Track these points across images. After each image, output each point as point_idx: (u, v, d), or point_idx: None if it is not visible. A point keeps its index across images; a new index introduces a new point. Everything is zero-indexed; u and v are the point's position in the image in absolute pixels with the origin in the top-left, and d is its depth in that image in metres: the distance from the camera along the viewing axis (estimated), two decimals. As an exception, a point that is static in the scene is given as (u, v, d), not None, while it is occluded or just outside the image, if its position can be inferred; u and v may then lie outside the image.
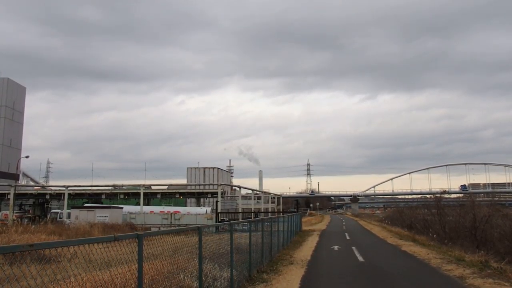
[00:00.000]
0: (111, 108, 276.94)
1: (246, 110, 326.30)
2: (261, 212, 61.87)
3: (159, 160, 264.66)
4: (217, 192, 51.62)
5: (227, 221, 40.75)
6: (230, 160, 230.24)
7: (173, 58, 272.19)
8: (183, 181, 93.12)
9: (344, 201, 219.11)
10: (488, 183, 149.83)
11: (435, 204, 40.14)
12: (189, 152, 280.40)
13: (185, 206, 78.59)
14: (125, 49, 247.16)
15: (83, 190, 58.19)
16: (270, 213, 59.54)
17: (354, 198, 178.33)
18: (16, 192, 54.89)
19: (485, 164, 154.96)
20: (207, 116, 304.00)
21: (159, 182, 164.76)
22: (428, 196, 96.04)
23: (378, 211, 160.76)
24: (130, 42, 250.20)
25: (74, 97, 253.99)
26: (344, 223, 64.09)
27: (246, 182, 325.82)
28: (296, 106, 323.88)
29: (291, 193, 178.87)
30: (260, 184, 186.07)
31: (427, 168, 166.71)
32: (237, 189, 66.95)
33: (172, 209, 54.46)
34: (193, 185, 75.36)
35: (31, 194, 61.39)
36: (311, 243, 28.44)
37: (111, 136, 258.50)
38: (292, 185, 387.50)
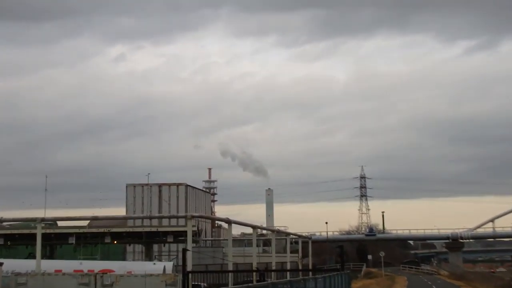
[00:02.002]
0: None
1: (244, 73, 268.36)
2: (272, 270, 54.38)
3: (74, 171, 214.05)
4: (186, 231, 43.32)
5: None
6: (210, 169, 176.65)
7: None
8: (120, 211, 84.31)
9: (435, 248, 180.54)
10: None
11: None
12: (132, 155, 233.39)
13: (124, 259, 70.92)
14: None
15: None
16: (288, 272, 51.93)
17: (454, 243, 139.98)
18: None
19: None
20: (168, 85, 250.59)
21: (74, 213, 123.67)
22: None
23: (501, 268, 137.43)
24: None
25: None
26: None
27: (242, 212, 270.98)
28: (340, 65, 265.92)
29: (330, 232, 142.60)
30: (269, 215, 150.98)
31: None
32: (224, 225, 59.39)
33: (98, 265, 46.16)
34: (138, 218, 66.97)
35: None
36: None
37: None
38: (331, 217, 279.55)
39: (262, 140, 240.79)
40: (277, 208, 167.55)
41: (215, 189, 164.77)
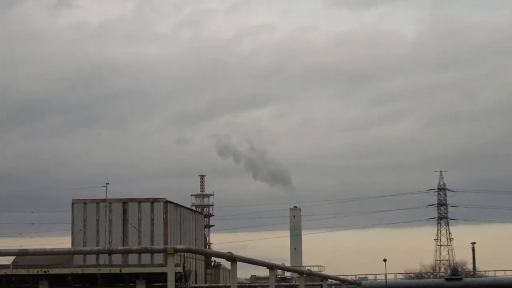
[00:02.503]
0: None
1: (257, 26, 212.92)
2: None
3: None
4: (165, 273, 21.22)
5: None
6: (203, 177, 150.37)
7: None
8: (63, 242, 78.90)
9: None
10: None
11: None
12: (82, 156, 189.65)
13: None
14: None
15: None
16: None
17: None
18: None
19: None
20: (138, 46, 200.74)
21: None
22: None
23: None
24: None
25: None
26: None
27: (253, 243, 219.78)
28: (408, 13, 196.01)
29: (391, 275, 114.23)
30: (295, 248, 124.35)
31: None
32: (225, 263, 27.38)
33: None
34: (91, 253, 55.24)
35: None
36: None
37: None
38: (392, 251, 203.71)
39: (284, 131, 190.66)
40: (308, 237, 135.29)
41: (210, 208, 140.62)
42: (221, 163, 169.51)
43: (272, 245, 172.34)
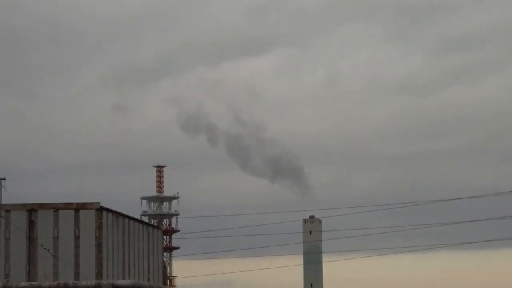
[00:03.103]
0: None
1: None
2: None
3: None
4: None
5: None
6: (160, 169, 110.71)
7: None
8: None
9: None
10: None
11: None
12: None
13: None
14: None
15: None
16: None
17: None
18: None
19: None
20: None
21: None
22: None
23: None
24: None
25: None
26: None
27: (245, 274, 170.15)
28: None
29: None
30: (312, 281, 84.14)
31: None
32: None
33: None
34: None
35: None
36: None
37: None
38: None
39: (293, 94, 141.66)
40: (332, 266, 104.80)
41: (173, 219, 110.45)
42: (189, 146, 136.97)
43: (276, 279, 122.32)
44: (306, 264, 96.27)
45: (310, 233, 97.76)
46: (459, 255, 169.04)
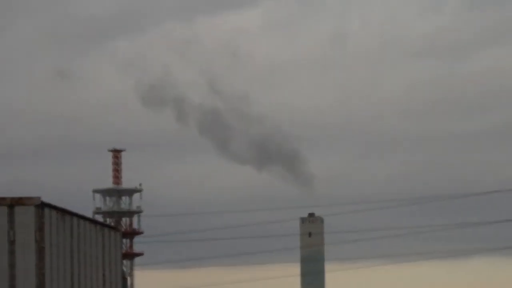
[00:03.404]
0: None
1: None
2: None
3: None
4: None
5: None
6: (117, 155, 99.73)
7: None
8: None
9: None
10: None
11: None
12: None
13: None
14: None
15: None
16: None
17: None
18: None
19: None
20: None
21: None
22: None
23: None
24: None
25: None
26: None
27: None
28: None
29: None
30: None
31: None
32: None
33: None
34: None
35: None
36: None
37: None
38: None
39: (286, 56, 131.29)
40: (338, 277, 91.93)
41: (135, 218, 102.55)
42: (154, 124, 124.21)
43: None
44: (304, 276, 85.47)
45: (310, 236, 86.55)
46: (496, 262, 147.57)
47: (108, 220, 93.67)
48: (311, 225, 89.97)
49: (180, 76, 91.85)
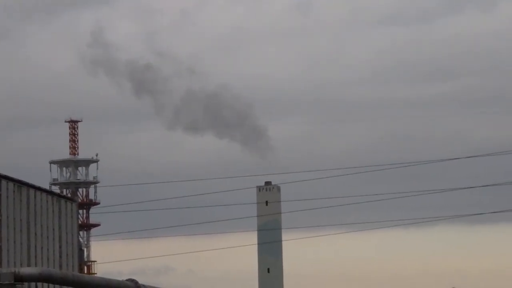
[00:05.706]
0: None
1: None
2: None
3: None
4: None
5: None
6: (74, 125, 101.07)
7: None
8: None
9: None
10: None
11: None
12: None
13: None
14: None
15: None
16: None
17: None
18: None
19: None
20: None
21: None
22: None
23: None
24: None
25: None
26: None
27: (191, 264, 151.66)
28: None
29: None
30: (268, 266, 74.88)
31: None
32: None
33: None
34: None
35: None
36: None
37: None
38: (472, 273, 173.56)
39: (249, 23, 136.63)
40: (296, 245, 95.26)
41: (91, 189, 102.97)
42: (110, 93, 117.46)
43: (223, 264, 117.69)
44: (261, 244, 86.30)
45: (266, 204, 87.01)
46: (459, 230, 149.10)
47: (65, 191, 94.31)
48: (268, 194, 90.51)
49: (127, 40, 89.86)
